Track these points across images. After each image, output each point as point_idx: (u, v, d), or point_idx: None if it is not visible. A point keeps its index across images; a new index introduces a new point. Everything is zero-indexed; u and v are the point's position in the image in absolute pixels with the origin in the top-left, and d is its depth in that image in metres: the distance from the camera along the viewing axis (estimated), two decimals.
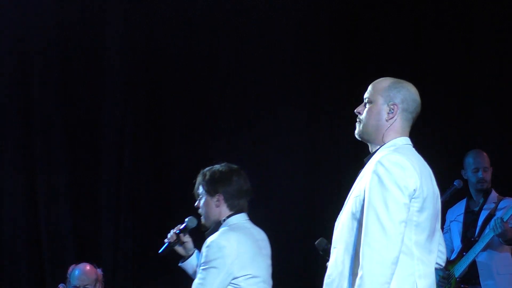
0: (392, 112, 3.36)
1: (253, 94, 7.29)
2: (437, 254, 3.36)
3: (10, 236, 6.88)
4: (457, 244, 6.19)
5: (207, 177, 4.45)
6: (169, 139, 7.21)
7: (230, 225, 4.39)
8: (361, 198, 3.25)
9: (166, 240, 4.55)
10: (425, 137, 5.95)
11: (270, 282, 4.46)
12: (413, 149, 3.38)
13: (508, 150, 7.08)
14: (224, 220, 4.41)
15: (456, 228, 6.23)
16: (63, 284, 5.76)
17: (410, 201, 3.18)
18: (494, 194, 6.22)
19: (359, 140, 3.47)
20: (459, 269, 6.02)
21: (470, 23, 7.39)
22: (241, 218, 4.44)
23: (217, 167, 4.48)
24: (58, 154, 7.03)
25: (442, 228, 5.93)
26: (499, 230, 5.85)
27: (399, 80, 3.44)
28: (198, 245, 4.52)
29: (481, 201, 6.21)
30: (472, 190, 6.26)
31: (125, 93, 7.17)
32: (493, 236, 5.92)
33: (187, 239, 4.56)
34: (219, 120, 7.25)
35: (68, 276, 5.78)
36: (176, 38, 7.26)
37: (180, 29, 7.26)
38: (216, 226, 4.42)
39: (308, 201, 7.26)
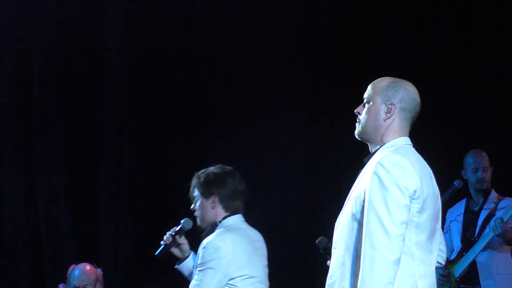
0: (390, 112, 3.36)
1: (253, 94, 7.29)
2: (438, 253, 3.36)
3: (10, 236, 6.88)
4: (457, 244, 6.19)
5: (202, 179, 4.48)
6: (169, 139, 7.21)
7: (226, 227, 4.42)
8: (361, 199, 3.25)
9: (162, 242, 4.57)
10: (425, 137, 5.95)
11: (267, 282, 4.47)
12: (413, 149, 3.38)
13: (508, 150, 7.08)
14: (220, 221, 4.44)
15: (456, 228, 6.23)
16: (63, 284, 5.76)
17: (411, 202, 3.18)
18: (494, 194, 6.22)
19: (359, 140, 3.48)
20: (459, 269, 6.02)
21: (470, 23, 7.39)
22: (237, 219, 4.47)
23: (211, 169, 4.52)
24: (58, 154, 7.03)
25: (442, 228, 5.93)
26: (499, 230, 5.85)
27: (397, 79, 3.44)
28: (194, 247, 4.53)
29: (480, 201, 6.21)
30: (471, 190, 6.27)
31: (125, 93, 7.17)
32: (493, 236, 5.92)
33: (183, 241, 4.58)
34: (219, 120, 7.25)
35: (68, 276, 5.78)
36: (176, 38, 7.26)
37: (180, 29, 7.26)
38: (212, 227, 4.44)
39: (308, 201, 7.26)
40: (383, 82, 3.42)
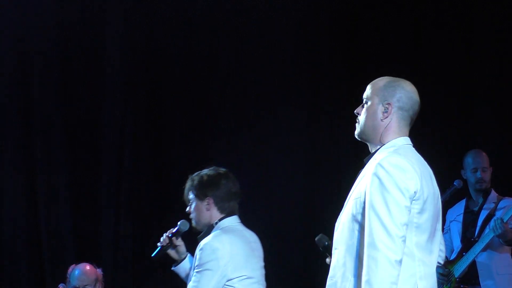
0: (387, 112, 3.36)
1: (253, 94, 7.29)
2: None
3: (10, 236, 6.88)
4: (457, 244, 6.19)
5: (196, 182, 4.51)
6: (169, 139, 7.21)
7: (223, 228, 4.43)
8: (362, 200, 3.24)
9: (159, 244, 4.58)
10: (425, 137, 5.95)
11: (264, 283, 4.49)
12: (413, 149, 3.37)
13: (508, 150, 7.08)
14: (216, 223, 4.46)
15: (456, 228, 6.23)
16: (63, 284, 5.76)
17: (411, 203, 3.18)
18: (493, 194, 6.22)
19: (359, 140, 3.48)
20: (459, 269, 6.01)
21: (470, 23, 7.39)
22: (233, 221, 4.49)
23: (205, 171, 4.55)
24: (58, 154, 7.03)
25: (443, 228, 5.93)
26: (499, 231, 5.85)
27: (395, 78, 3.43)
28: (191, 249, 4.54)
29: (480, 201, 6.21)
30: (471, 190, 6.27)
31: (125, 93, 7.17)
32: (493, 236, 5.92)
33: (179, 242, 4.59)
34: (219, 120, 7.25)
35: (68, 276, 5.78)
36: (176, 38, 7.26)
37: (180, 29, 7.26)
38: (209, 229, 4.46)
39: (308, 201, 7.26)
40: (381, 82, 3.42)
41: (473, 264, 6.03)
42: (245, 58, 7.31)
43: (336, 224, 3.37)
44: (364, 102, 3.42)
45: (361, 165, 3.40)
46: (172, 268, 4.62)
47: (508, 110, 7.17)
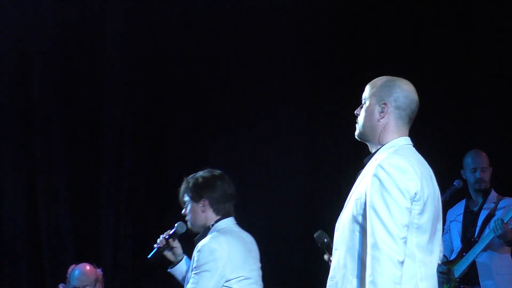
0: (383, 112, 3.35)
1: (253, 94, 7.29)
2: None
3: (10, 236, 6.87)
4: (457, 244, 6.18)
5: (191, 184, 4.52)
6: (169, 139, 7.21)
7: (219, 230, 4.45)
8: (362, 201, 3.24)
9: (155, 245, 4.58)
10: (425, 137, 5.95)
11: (261, 284, 4.50)
12: (414, 149, 3.37)
13: (508, 150, 7.08)
14: (213, 225, 4.46)
15: (456, 228, 6.23)
16: (63, 284, 5.76)
17: (412, 204, 3.18)
18: (493, 194, 6.22)
19: (359, 140, 3.48)
20: (459, 269, 6.01)
21: (470, 23, 7.38)
22: (229, 222, 4.50)
23: (200, 173, 4.56)
24: (58, 154, 7.03)
25: (443, 228, 5.93)
26: (500, 232, 5.85)
27: (393, 78, 3.42)
28: (187, 251, 4.54)
29: (480, 201, 6.21)
30: (471, 190, 6.26)
31: (125, 93, 7.17)
32: (493, 237, 5.92)
33: (176, 244, 4.60)
34: (219, 120, 7.25)
35: (68, 276, 5.78)
36: (176, 38, 7.26)
37: (180, 29, 7.26)
38: (205, 231, 4.47)
39: (308, 201, 7.26)
40: (378, 81, 3.42)
41: (473, 264, 6.02)
42: (245, 58, 7.31)
43: (336, 225, 3.37)
44: (362, 102, 3.42)
45: (361, 165, 3.39)
46: (169, 270, 4.64)
47: (508, 110, 7.17)
